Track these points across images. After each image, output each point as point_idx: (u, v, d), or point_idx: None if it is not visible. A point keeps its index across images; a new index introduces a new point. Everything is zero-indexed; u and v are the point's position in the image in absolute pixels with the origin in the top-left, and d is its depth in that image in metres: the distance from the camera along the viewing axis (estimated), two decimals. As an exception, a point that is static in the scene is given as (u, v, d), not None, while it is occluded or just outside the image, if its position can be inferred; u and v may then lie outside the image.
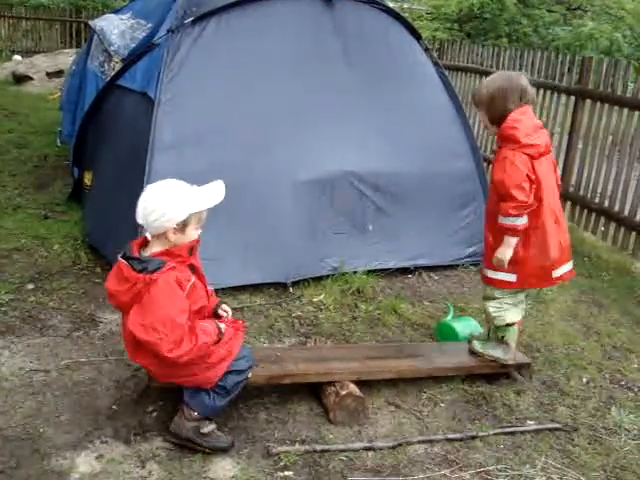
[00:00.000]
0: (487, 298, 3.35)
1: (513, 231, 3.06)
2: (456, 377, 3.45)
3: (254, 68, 4.30)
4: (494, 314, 3.33)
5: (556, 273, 3.26)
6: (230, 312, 2.90)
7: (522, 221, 3.04)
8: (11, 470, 2.56)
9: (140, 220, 2.57)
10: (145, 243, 2.65)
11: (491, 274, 3.26)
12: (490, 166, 6.70)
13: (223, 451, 2.76)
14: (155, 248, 2.60)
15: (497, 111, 3.07)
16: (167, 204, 2.53)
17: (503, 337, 3.39)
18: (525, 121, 3.05)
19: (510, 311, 3.33)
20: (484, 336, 3.52)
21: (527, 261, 3.17)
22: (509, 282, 3.25)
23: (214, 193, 2.65)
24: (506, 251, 3.10)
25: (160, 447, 2.77)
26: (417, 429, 3.07)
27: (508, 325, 3.34)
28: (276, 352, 3.28)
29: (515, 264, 3.16)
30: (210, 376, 2.69)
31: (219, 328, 2.71)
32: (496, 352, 3.41)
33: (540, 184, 3.06)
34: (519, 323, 3.44)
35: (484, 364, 3.44)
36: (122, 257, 2.59)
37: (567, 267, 3.31)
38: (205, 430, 2.74)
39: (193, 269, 2.68)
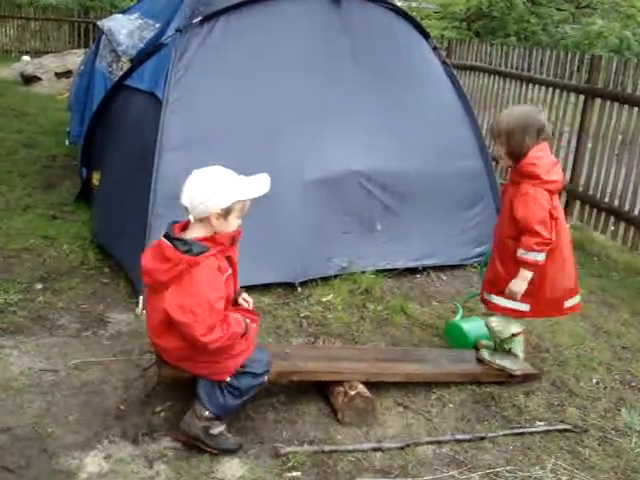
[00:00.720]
0: (490, 314, 3.38)
1: (534, 266, 3.11)
2: (465, 378, 3.45)
3: (262, 68, 4.29)
4: (497, 328, 3.35)
5: (567, 304, 3.32)
6: (251, 302, 2.93)
7: (543, 256, 3.10)
8: (20, 469, 2.57)
9: (185, 202, 2.58)
10: (186, 227, 2.66)
11: (501, 302, 3.27)
12: (498, 166, 6.68)
13: (231, 452, 2.76)
14: (196, 233, 2.62)
15: (515, 146, 3.09)
16: (214, 189, 2.57)
17: (510, 349, 3.40)
18: (544, 158, 3.11)
19: (513, 323, 3.35)
20: (492, 345, 3.52)
21: (542, 293, 3.20)
22: (522, 311, 3.27)
23: (260, 184, 2.68)
24: (522, 284, 3.14)
25: (168, 447, 2.77)
26: (426, 430, 3.06)
27: (514, 335, 3.36)
28: (285, 349, 3.28)
29: (529, 295, 3.19)
30: (229, 366, 2.70)
31: (246, 322, 2.73)
32: (504, 362, 3.41)
33: (558, 219, 3.13)
34: (524, 332, 3.46)
35: (491, 372, 3.43)
36: (164, 237, 2.60)
37: (577, 299, 3.38)
38: (215, 431, 2.74)
39: (229, 261, 2.70)
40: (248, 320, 2.77)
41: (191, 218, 2.62)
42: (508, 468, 2.84)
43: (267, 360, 2.85)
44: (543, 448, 2.99)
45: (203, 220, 2.61)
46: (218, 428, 2.75)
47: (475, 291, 4.01)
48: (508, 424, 3.15)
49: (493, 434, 3.04)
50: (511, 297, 3.20)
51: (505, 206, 3.23)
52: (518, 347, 3.40)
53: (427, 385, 3.37)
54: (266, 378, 2.83)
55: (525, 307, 3.25)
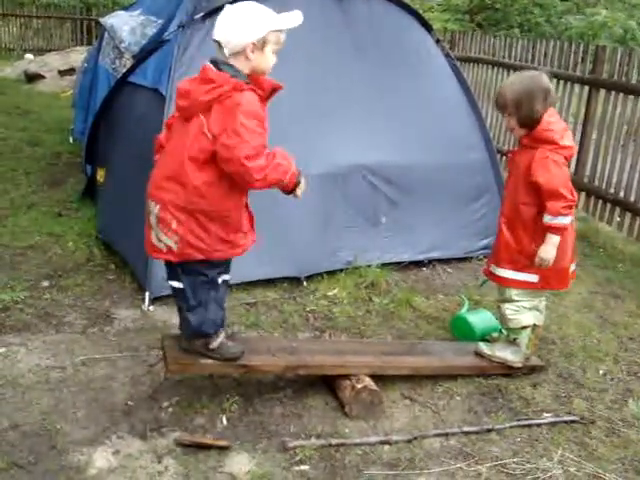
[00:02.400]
0: (504, 300, 3.33)
1: (562, 230, 3.09)
2: (471, 370, 3.45)
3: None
4: (510, 317, 3.33)
5: (570, 270, 3.33)
6: None
7: (570, 219, 3.10)
8: (30, 465, 2.58)
9: (218, 36, 2.56)
10: None
11: (509, 275, 3.25)
12: (503, 158, 6.67)
13: (236, 359, 2.86)
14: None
15: (526, 114, 3.06)
16: (247, 19, 2.55)
17: (515, 339, 3.39)
18: (557, 123, 3.11)
19: (526, 314, 3.33)
20: (492, 337, 3.53)
21: (553, 261, 3.18)
22: (531, 283, 3.25)
23: (293, 16, 2.65)
24: (552, 250, 3.12)
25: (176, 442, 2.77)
26: (433, 422, 3.06)
27: (523, 327, 3.34)
28: (292, 343, 3.28)
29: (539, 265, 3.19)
30: (221, 249, 2.70)
31: (300, 170, 2.68)
32: (505, 354, 3.40)
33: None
34: (539, 331, 3.48)
35: (496, 366, 3.43)
36: (210, 62, 2.58)
37: (574, 265, 3.39)
38: (214, 345, 2.82)
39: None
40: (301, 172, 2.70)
41: (226, 52, 2.57)
42: (515, 460, 2.84)
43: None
44: (550, 440, 2.99)
45: (239, 55, 2.57)
46: (216, 340, 2.82)
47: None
48: (515, 416, 3.15)
49: (500, 426, 3.03)
50: (522, 269, 3.19)
51: (518, 173, 3.18)
52: (524, 340, 3.38)
53: (434, 378, 3.37)
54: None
55: (534, 278, 3.23)
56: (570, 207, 3.07)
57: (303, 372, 3.11)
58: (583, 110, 6.40)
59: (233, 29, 2.54)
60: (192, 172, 2.57)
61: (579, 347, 3.82)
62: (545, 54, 6.95)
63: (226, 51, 2.57)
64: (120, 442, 2.75)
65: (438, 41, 5.09)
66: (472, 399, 3.26)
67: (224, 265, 2.87)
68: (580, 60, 6.47)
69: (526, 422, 3.09)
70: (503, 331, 3.50)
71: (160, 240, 2.68)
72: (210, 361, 2.92)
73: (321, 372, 3.15)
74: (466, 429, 3.00)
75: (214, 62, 2.58)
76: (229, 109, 2.49)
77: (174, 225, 2.63)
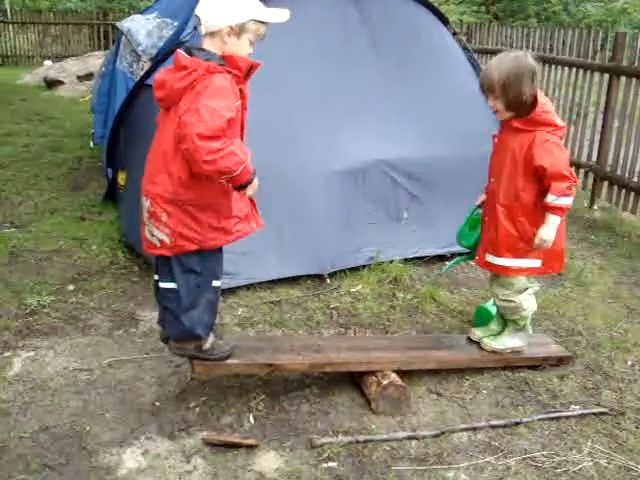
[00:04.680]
0: (520, 291, 3.27)
1: (564, 210, 3.05)
2: (497, 363, 3.43)
3: (282, 61, 4.28)
4: (527, 305, 3.28)
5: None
6: None
7: (572, 200, 3.07)
8: (61, 467, 2.61)
9: (199, 12, 2.56)
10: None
11: (514, 263, 3.19)
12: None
13: (227, 358, 2.89)
14: (207, 48, 2.57)
15: (514, 97, 2.99)
16: (232, 1, 2.54)
17: (524, 325, 3.36)
18: (548, 104, 3.07)
19: (533, 299, 3.32)
20: (494, 331, 3.45)
21: (554, 244, 3.13)
22: (535, 268, 3.21)
23: (278, 13, 2.63)
24: (552, 231, 3.06)
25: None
26: (460, 417, 3.05)
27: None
28: (318, 341, 3.29)
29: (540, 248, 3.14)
30: (216, 237, 2.69)
31: (254, 169, 2.60)
32: (515, 342, 3.37)
33: None
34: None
35: (523, 358, 3.41)
36: (181, 49, 2.58)
37: None
38: (207, 346, 2.83)
39: (241, 94, 2.63)
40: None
41: (202, 30, 2.57)
42: (544, 453, 2.82)
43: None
44: (579, 432, 2.97)
45: (215, 35, 2.55)
46: (208, 341, 2.83)
47: (453, 261, 3.74)
48: (543, 409, 3.12)
49: (528, 419, 3.01)
50: (525, 255, 3.15)
51: (514, 158, 3.08)
52: (529, 322, 3.37)
53: (460, 372, 3.35)
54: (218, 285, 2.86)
55: (537, 263, 3.19)
56: (572, 187, 3.02)
57: (329, 369, 3.11)
58: (604, 99, 6.32)
59: (215, 8, 2.53)
60: (175, 163, 2.56)
61: (606, 338, 3.78)
62: (563, 43, 6.87)
63: (203, 28, 2.56)
64: (149, 442, 2.77)
65: (455, 34, 5.06)
66: (499, 392, 3.24)
67: (217, 266, 2.85)
68: (599, 48, 6.39)
69: (554, 414, 3.06)
70: (496, 321, 3.46)
71: (153, 235, 2.67)
72: (236, 361, 2.93)
73: (347, 369, 3.15)
74: (494, 423, 2.98)
75: (186, 48, 2.58)
76: (198, 91, 2.47)
77: (164, 218, 2.61)
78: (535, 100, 3.01)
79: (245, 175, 2.54)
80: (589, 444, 2.88)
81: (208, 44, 2.58)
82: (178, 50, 2.58)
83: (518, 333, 3.37)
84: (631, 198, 5.97)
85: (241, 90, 2.62)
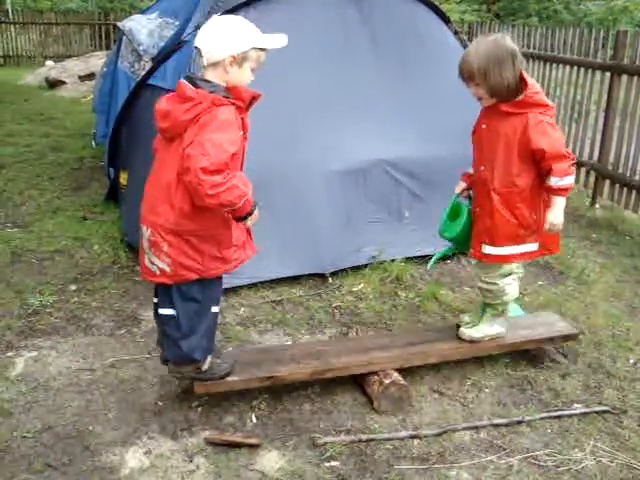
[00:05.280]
0: (504, 275, 3.20)
1: (568, 190, 3.01)
2: (500, 361, 3.43)
3: (283, 60, 4.26)
4: (509, 290, 3.23)
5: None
6: None
7: (574, 178, 3.04)
8: (64, 466, 2.62)
9: (200, 43, 2.54)
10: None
11: (512, 250, 3.13)
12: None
13: (227, 375, 2.89)
14: (211, 80, 2.56)
15: (496, 83, 2.91)
16: (232, 31, 2.54)
17: (503, 310, 3.32)
18: (537, 84, 3.00)
19: (517, 284, 3.28)
20: (473, 320, 3.41)
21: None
22: (532, 252, 3.18)
23: (278, 38, 2.62)
24: (561, 213, 3.02)
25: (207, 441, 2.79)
26: (462, 415, 3.05)
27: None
28: (317, 346, 3.27)
29: (535, 232, 3.11)
30: (217, 267, 2.69)
31: (255, 201, 2.61)
32: (494, 329, 3.34)
33: None
34: None
35: (527, 340, 3.40)
36: (185, 79, 2.55)
37: None
38: (205, 367, 2.83)
39: (242, 125, 2.62)
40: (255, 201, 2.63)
41: (204, 61, 2.55)
42: (547, 451, 2.82)
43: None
44: (582, 430, 2.97)
45: (217, 66, 2.54)
46: (206, 363, 2.84)
47: (437, 254, 3.63)
48: (545, 407, 3.12)
49: (530, 418, 3.02)
50: (523, 240, 3.10)
51: (507, 143, 3.00)
52: (508, 308, 3.35)
53: (462, 371, 3.36)
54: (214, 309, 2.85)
55: (535, 247, 3.16)
56: (572, 165, 2.98)
57: (330, 375, 3.09)
58: (605, 97, 6.31)
59: (216, 39, 2.52)
60: (178, 194, 2.55)
61: (608, 336, 3.78)
62: (564, 42, 6.86)
63: (204, 60, 2.55)
64: (151, 442, 2.78)
65: (456, 33, 5.05)
66: (501, 391, 3.24)
67: (217, 293, 2.86)
68: (601, 46, 6.38)
69: (556, 413, 3.06)
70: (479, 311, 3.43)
71: (153, 263, 2.67)
72: (237, 378, 2.94)
73: (348, 373, 3.13)
74: (496, 421, 2.99)
75: (190, 79, 2.55)
76: (204, 123, 2.46)
77: (165, 248, 2.61)
78: (520, 82, 2.93)
79: (247, 207, 2.56)
80: (591, 443, 2.88)
81: (211, 75, 2.56)
82: (182, 80, 2.56)
83: (497, 319, 3.33)
84: (633, 196, 5.96)
85: (242, 120, 2.62)
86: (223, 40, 2.52)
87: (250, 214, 2.61)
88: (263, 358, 3.11)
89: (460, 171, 3.42)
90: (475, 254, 3.26)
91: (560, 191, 2.99)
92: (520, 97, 2.94)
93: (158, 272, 2.66)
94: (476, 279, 4.43)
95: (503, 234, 3.10)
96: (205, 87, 2.50)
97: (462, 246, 3.38)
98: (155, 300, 2.84)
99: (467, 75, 2.97)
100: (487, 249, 3.17)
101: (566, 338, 3.42)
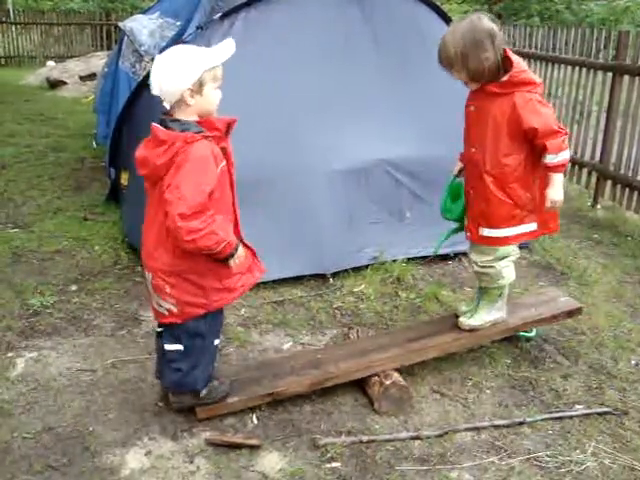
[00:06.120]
0: (500, 258, 3.19)
1: (565, 166, 3.00)
2: (501, 362, 3.42)
3: (284, 60, 4.28)
4: (506, 273, 3.22)
5: None
6: None
7: (569, 152, 3.01)
8: (64, 467, 2.61)
9: (155, 90, 2.51)
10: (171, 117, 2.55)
11: (511, 232, 3.11)
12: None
13: (225, 397, 2.89)
14: (181, 118, 2.52)
15: (476, 67, 2.87)
16: (177, 65, 2.48)
17: (500, 295, 3.31)
18: (523, 62, 2.96)
19: (513, 267, 3.27)
20: (470, 309, 3.40)
21: (543, 203, 3.08)
22: (531, 232, 3.16)
23: (224, 48, 2.55)
24: (560, 190, 3.00)
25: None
26: (463, 416, 3.04)
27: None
28: (316, 354, 3.23)
29: (533, 211, 3.09)
30: (223, 297, 2.70)
31: (237, 243, 2.60)
32: (493, 315, 3.33)
33: None
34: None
35: (529, 322, 3.40)
36: (156, 124, 2.52)
37: None
38: (203, 393, 2.84)
39: (224, 152, 2.60)
40: (241, 248, 2.64)
41: (166, 105, 2.53)
42: (548, 453, 2.81)
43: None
44: (583, 432, 2.96)
45: (180, 103, 2.50)
46: (205, 389, 2.84)
47: (443, 236, 3.53)
48: (546, 408, 3.12)
49: (532, 419, 3.01)
50: (521, 221, 3.09)
51: (496, 124, 2.96)
52: (506, 291, 3.33)
53: (463, 371, 3.35)
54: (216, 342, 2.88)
55: (534, 226, 3.14)
56: (566, 139, 2.94)
57: (330, 384, 3.07)
58: (607, 97, 6.30)
59: (166, 79, 2.48)
60: (170, 237, 2.55)
61: (610, 337, 3.77)
62: (566, 42, 6.85)
63: (166, 104, 2.53)
64: (152, 443, 2.77)
65: (457, 33, 5.03)
66: (502, 392, 3.23)
67: (219, 325, 2.90)
68: (602, 47, 6.37)
69: (558, 414, 3.06)
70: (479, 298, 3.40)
71: (160, 305, 2.70)
72: (237, 398, 2.92)
73: (348, 379, 3.10)
74: (497, 422, 2.98)
75: (162, 121, 2.53)
76: (179, 164, 2.44)
77: (168, 290, 2.63)
78: (505, 61, 2.90)
79: (226, 250, 2.55)
80: (593, 444, 2.87)
81: (178, 112, 2.54)
82: (154, 124, 2.53)
83: (495, 305, 3.32)
84: (634, 197, 5.94)
85: (224, 149, 2.60)
86: (172, 78, 2.47)
87: (231, 257, 2.59)
88: (262, 374, 3.07)
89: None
90: (473, 237, 3.23)
91: (557, 167, 2.97)
92: (506, 77, 2.90)
93: (166, 313, 2.70)
94: (475, 280, 4.44)
95: (499, 215, 3.08)
96: (175, 127, 2.48)
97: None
98: (158, 330, 2.88)
99: (446, 62, 2.95)
100: (485, 231, 3.14)
101: (570, 314, 3.38)
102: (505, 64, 2.91)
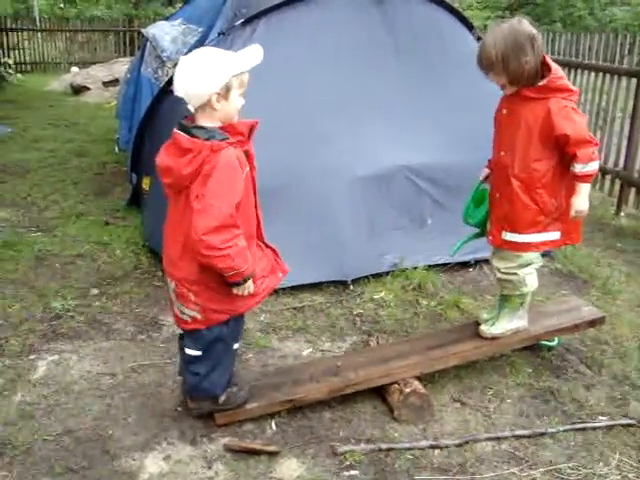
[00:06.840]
0: (523, 265, 3.16)
1: (593, 176, 2.98)
2: (522, 371, 3.39)
3: (306, 66, 4.29)
4: (529, 280, 3.20)
5: None
6: None
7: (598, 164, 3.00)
8: (84, 470, 2.63)
9: (180, 92, 2.47)
10: (192, 121, 2.52)
11: (534, 238, 3.09)
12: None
13: (244, 404, 2.88)
14: (204, 123, 2.49)
15: (516, 70, 2.86)
16: (206, 68, 2.43)
17: (522, 303, 3.27)
18: (560, 69, 2.95)
19: (535, 275, 3.23)
20: (492, 317, 3.37)
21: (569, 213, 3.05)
22: (554, 241, 3.14)
23: (253, 54, 2.51)
24: (586, 199, 2.98)
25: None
26: (484, 426, 3.01)
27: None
28: (336, 362, 3.21)
29: (557, 220, 3.07)
30: (243, 303, 2.69)
31: (249, 275, 2.56)
32: (514, 323, 3.30)
33: None
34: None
35: (550, 331, 3.36)
36: (179, 129, 2.49)
37: None
38: (222, 399, 2.84)
39: (246, 156, 2.58)
40: (252, 277, 2.60)
41: (190, 108, 2.49)
42: (570, 465, 2.77)
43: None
44: (606, 444, 2.91)
45: (205, 107, 2.46)
46: (223, 395, 2.83)
47: (463, 240, 3.54)
48: (569, 419, 3.07)
49: (553, 430, 2.97)
50: (545, 229, 3.06)
51: (528, 129, 2.96)
52: (528, 299, 3.29)
53: (483, 380, 3.32)
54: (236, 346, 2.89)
55: (557, 235, 3.11)
56: (596, 151, 2.93)
57: (350, 391, 3.05)
58: (631, 104, 6.23)
59: (193, 82, 2.43)
60: (183, 265, 2.57)
61: (634, 347, 3.71)
62: (589, 48, 6.79)
63: (190, 107, 2.49)
64: (170, 448, 2.77)
65: (479, 39, 5.01)
66: (523, 402, 3.19)
67: (240, 329, 2.90)
68: (627, 52, 6.31)
69: (580, 425, 3.01)
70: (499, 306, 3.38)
71: (183, 313, 2.69)
72: (256, 404, 2.92)
73: (368, 386, 3.09)
74: (518, 433, 2.94)
75: (183, 128, 2.48)
76: (207, 174, 2.41)
77: (192, 298, 2.63)
78: (542, 66, 2.89)
79: (235, 278, 2.54)
80: (617, 457, 2.83)
81: (202, 119, 2.50)
82: (176, 131, 2.49)
83: (516, 313, 3.30)
84: (659, 205, 5.88)
85: (246, 152, 2.59)
86: (201, 81, 2.42)
87: (239, 285, 2.57)
88: (282, 380, 3.07)
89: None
90: (495, 241, 3.22)
91: (585, 177, 2.95)
92: (543, 82, 2.90)
93: (190, 320, 2.69)
94: (497, 288, 4.40)
95: (524, 220, 3.06)
96: (200, 135, 2.44)
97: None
98: (180, 332, 2.88)
99: (486, 65, 2.94)
100: (508, 236, 3.13)
101: (592, 323, 3.33)
102: (543, 69, 2.91)
